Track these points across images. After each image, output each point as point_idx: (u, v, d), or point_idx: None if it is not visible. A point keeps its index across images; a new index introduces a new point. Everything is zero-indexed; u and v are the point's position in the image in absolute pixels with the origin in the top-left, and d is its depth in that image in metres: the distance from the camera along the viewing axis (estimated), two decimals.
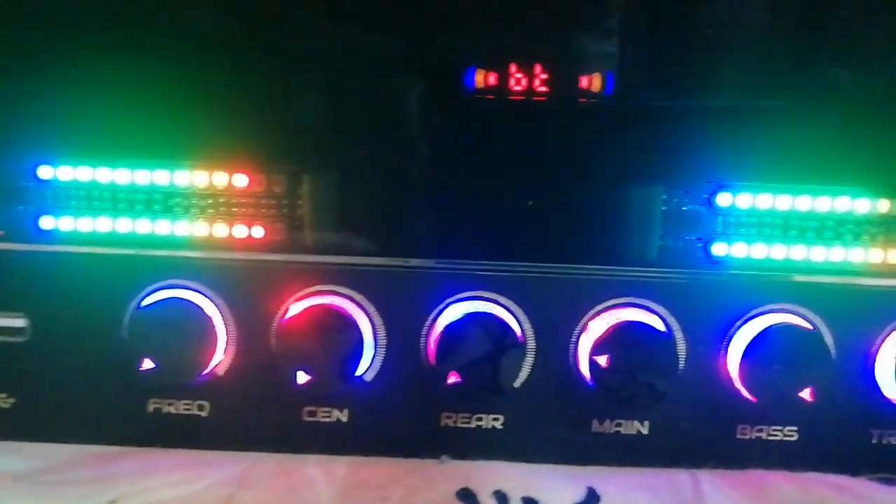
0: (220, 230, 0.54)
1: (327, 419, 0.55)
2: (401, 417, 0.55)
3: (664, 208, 0.54)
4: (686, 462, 0.55)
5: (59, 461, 0.52)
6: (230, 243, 0.54)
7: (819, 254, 0.54)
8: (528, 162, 0.54)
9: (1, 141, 0.53)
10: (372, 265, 0.54)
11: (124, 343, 0.53)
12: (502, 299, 0.54)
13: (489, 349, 0.52)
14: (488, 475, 0.50)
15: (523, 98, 0.54)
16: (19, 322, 0.54)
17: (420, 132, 0.54)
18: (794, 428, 0.55)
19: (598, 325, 0.53)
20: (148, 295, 0.54)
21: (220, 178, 0.54)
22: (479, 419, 0.55)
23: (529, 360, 0.54)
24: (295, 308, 0.53)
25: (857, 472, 0.55)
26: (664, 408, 0.54)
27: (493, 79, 0.54)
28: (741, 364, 0.53)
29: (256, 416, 0.55)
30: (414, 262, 0.54)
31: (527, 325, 0.54)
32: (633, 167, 0.54)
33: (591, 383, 0.53)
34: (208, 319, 0.53)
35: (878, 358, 0.54)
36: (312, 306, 0.53)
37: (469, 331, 0.52)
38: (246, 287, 0.54)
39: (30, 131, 0.53)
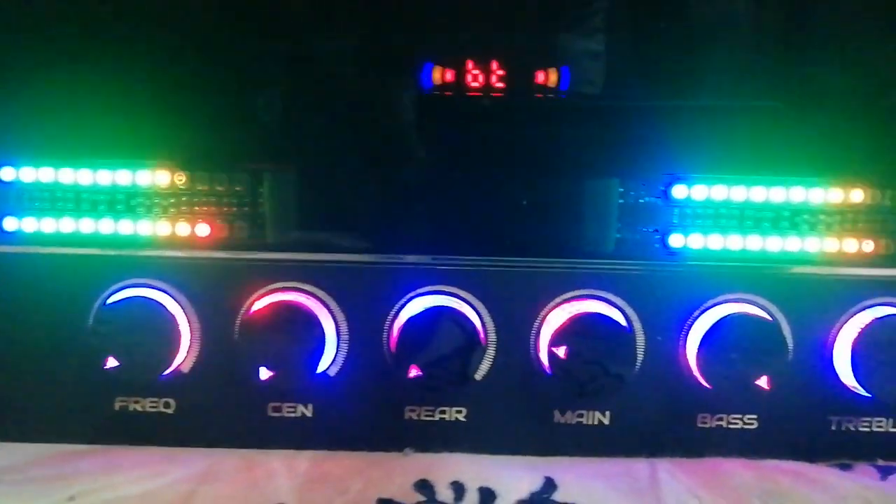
0: (183, 229, 0.55)
1: (292, 414, 0.56)
2: (365, 411, 0.56)
3: (621, 201, 0.55)
4: (647, 451, 0.55)
5: (23, 460, 0.52)
6: (193, 242, 0.55)
7: (775, 244, 0.55)
8: (486, 157, 0.55)
9: None
10: (333, 261, 0.55)
11: (89, 342, 0.53)
12: (463, 293, 0.55)
13: (450, 343, 0.53)
14: (448, 467, 0.51)
15: (481, 94, 0.55)
16: None
17: (379, 129, 0.55)
18: (754, 416, 0.56)
19: (557, 318, 0.54)
20: (112, 294, 0.54)
21: (182, 178, 0.54)
22: (443, 412, 0.56)
23: (490, 352, 0.55)
24: (257, 305, 0.54)
25: (816, 459, 0.55)
26: (625, 398, 0.55)
27: (450, 75, 0.54)
28: (699, 353, 0.53)
29: (222, 412, 0.56)
30: (374, 257, 0.55)
31: (487, 319, 0.55)
32: (589, 161, 0.55)
33: (550, 374, 0.53)
34: (172, 317, 0.54)
35: (835, 346, 0.55)
36: (274, 303, 0.53)
37: (430, 325, 0.53)
38: (209, 285, 0.55)
39: None
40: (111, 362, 0.53)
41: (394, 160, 0.55)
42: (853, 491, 0.50)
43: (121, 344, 0.53)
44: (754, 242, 0.55)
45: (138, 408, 0.56)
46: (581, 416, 0.56)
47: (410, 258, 0.55)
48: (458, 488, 0.49)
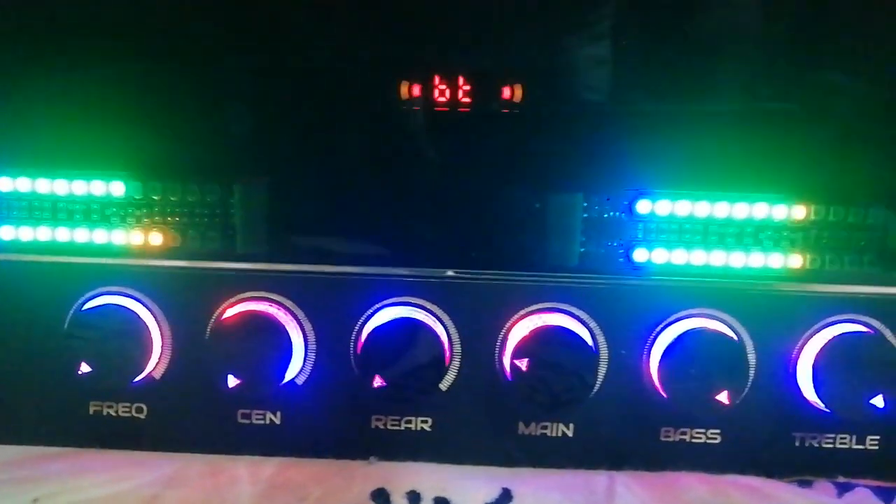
0: (156, 239, 0.56)
1: (260, 421, 0.57)
2: (332, 420, 0.57)
3: (585, 215, 0.55)
4: (611, 464, 0.56)
5: None
6: (165, 251, 0.56)
7: (738, 259, 0.55)
8: (453, 171, 0.56)
9: None
10: (301, 272, 0.56)
11: (64, 348, 0.55)
12: (429, 305, 0.56)
13: (414, 354, 0.54)
14: (408, 476, 0.52)
15: (448, 109, 0.55)
16: None
17: (348, 143, 0.56)
18: (718, 431, 0.56)
19: (520, 330, 0.55)
20: (86, 301, 0.56)
21: (155, 189, 0.56)
22: (409, 422, 0.57)
23: (456, 363, 0.56)
24: (226, 314, 0.55)
25: (779, 475, 0.56)
26: (589, 411, 0.56)
27: (417, 90, 0.55)
28: (660, 368, 0.54)
29: (192, 418, 0.57)
30: (342, 268, 0.56)
31: (453, 330, 0.56)
32: (554, 175, 0.56)
33: (513, 387, 0.54)
34: (143, 325, 0.55)
35: (798, 362, 0.55)
36: (242, 312, 0.54)
37: (394, 336, 0.54)
38: (180, 293, 0.56)
39: None
40: (84, 368, 0.54)
41: (361, 173, 0.56)
42: None
43: (94, 350, 0.54)
44: (718, 258, 0.55)
45: (112, 412, 0.57)
46: (545, 427, 0.56)
47: (377, 270, 0.56)
48: (414, 497, 0.50)
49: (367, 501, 0.49)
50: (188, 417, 0.57)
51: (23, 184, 0.55)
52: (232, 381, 0.53)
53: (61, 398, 0.57)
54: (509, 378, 0.54)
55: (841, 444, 0.56)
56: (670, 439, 0.56)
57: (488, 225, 0.56)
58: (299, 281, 0.56)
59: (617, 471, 0.55)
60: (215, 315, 0.55)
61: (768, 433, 0.56)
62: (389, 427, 0.57)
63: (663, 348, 0.54)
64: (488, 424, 0.57)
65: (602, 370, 0.55)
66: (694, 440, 0.56)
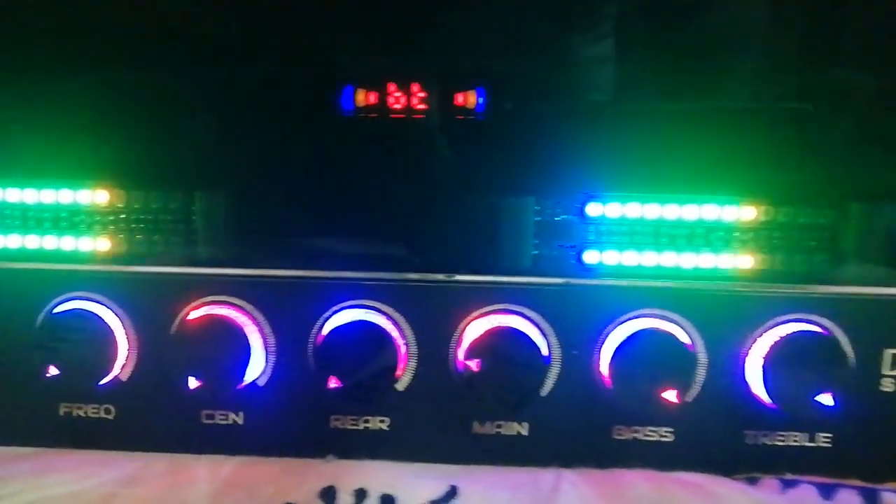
0: (121, 245, 0.58)
1: (224, 421, 0.59)
2: (292, 420, 0.58)
3: (538, 219, 0.57)
4: (564, 462, 0.57)
5: None
6: (130, 257, 0.58)
7: (689, 260, 0.56)
8: (408, 176, 0.57)
9: None
10: (261, 276, 0.57)
11: (34, 353, 0.57)
12: (385, 307, 0.57)
13: (369, 356, 0.55)
14: (359, 474, 0.53)
15: (403, 116, 0.57)
16: None
17: (305, 151, 0.57)
18: (670, 429, 0.57)
19: (473, 331, 0.56)
20: (55, 306, 0.58)
21: (120, 196, 0.57)
22: (367, 421, 0.58)
23: (412, 364, 0.57)
24: (188, 318, 0.56)
25: (732, 473, 0.56)
26: (543, 410, 0.57)
27: (373, 98, 0.57)
28: (611, 367, 0.55)
29: (158, 418, 0.59)
30: (300, 273, 0.57)
31: (409, 332, 0.57)
32: (507, 179, 0.57)
33: (465, 386, 0.55)
34: (109, 329, 0.57)
35: (748, 361, 0.56)
36: (203, 316, 0.56)
37: (349, 338, 0.55)
38: (145, 298, 0.58)
39: None
40: (53, 371, 0.56)
41: (320, 180, 0.57)
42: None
43: (61, 354, 0.56)
44: (669, 259, 0.56)
45: (81, 413, 0.59)
46: (500, 426, 0.58)
47: (334, 273, 0.57)
48: (361, 495, 0.51)
49: (314, 499, 0.51)
50: (154, 418, 0.59)
51: None
52: (193, 383, 0.55)
53: (32, 400, 0.58)
54: (463, 378, 0.55)
55: (793, 442, 0.57)
56: (623, 437, 0.57)
57: (443, 229, 0.57)
58: (259, 285, 0.57)
59: (569, 469, 0.56)
60: (178, 318, 0.57)
61: (720, 431, 0.57)
62: (348, 427, 0.58)
63: (614, 348, 0.55)
64: (444, 424, 0.58)
65: (554, 370, 0.56)
66: (646, 438, 0.57)
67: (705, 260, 0.56)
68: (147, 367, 0.58)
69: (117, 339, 0.57)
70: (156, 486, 0.53)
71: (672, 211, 0.56)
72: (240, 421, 0.59)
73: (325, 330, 0.56)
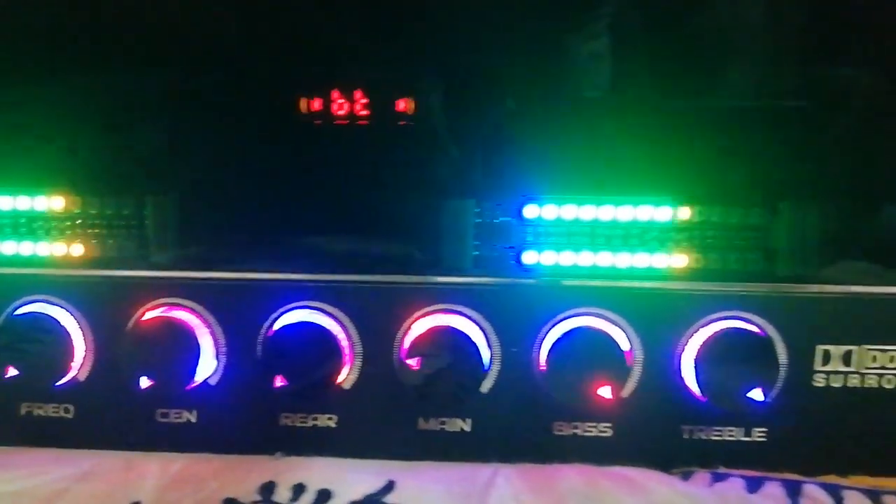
0: (76, 249, 0.60)
1: (178, 420, 0.60)
2: (244, 418, 0.60)
3: (478, 221, 0.58)
4: (505, 457, 0.58)
5: None
6: (85, 261, 0.60)
7: (624, 260, 0.57)
8: (353, 181, 0.59)
9: None
10: (211, 279, 0.59)
11: None
12: (329, 308, 0.59)
13: (314, 355, 0.57)
14: (301, 470, 0.55)
15: (347, 122, 0.59)
16: None
17: (252, 156, 0.59)
18: (608, 424, 0.59)
19: (415, 331, 0.57)
20: (14, 309, 0.60)
21: (75, 202, 0.59)
22: (315, 419, 0.60)
23: (358, 363, 0.59)
24: (141, 319, 0.58)
25: (669, 467, 0.58)
26: (484, 406, 0.58)
27: (318, 104, 0.59)
28: (548, 364, 0.56)
29: (116, 416, 0.60)
30: (248, 275, 0.59)
31: (353, 332, 0.58)
32: (448, 183, 0.58)
33: (406, 384, 0.57)
34: (65, 331, 0.59)
35: (683, 357, 0.57)
36: (154, 318, 0.58)
37: (294, 338, 0.57)
38: (100, 301, 0.59)
39: None
40: (12, 371, 0.58)
41: (267, 184, 0.59)
42: (666, 497, 0.52)
43: (21, 355, 0.58)
44: (604, 259, 0.58)
45: (42, 412, 0.61)
46: (444, 423, 0.59)
47: (280, 276, 0.59)
48: (299, 489, 0.53)
49: (253, 494, 0.53)
50: (112, 416, 0.61)
51: None
52: (144, 383, 0.57)
53: None
54: (406, 376, 0.57)
55: (728, 436, 0.58)
56: (563, 433, 0.59)
57: (386, 231, 0.59)
58: (209, 287, 0.59)
59: (509, 464, 0.57)
60: (131, 321, 0.59)
61: (658, 427, 0.58)
62: (298, 424, 0.60)
63: (550, 345, 0.56)
64: (390, 420, 0.59)
65: (495, 368, 0.58)
66: (585, 434, 0.58)
67: (640, 259, 0.57)
68: (104, 368, 0.60)
69: (74, 340, 0.59)
70: (107, 481, 0.55)
71: (607, 212, 0.57)
72: (193, 419, 0.60)
73: (272, 331, 0.58)
